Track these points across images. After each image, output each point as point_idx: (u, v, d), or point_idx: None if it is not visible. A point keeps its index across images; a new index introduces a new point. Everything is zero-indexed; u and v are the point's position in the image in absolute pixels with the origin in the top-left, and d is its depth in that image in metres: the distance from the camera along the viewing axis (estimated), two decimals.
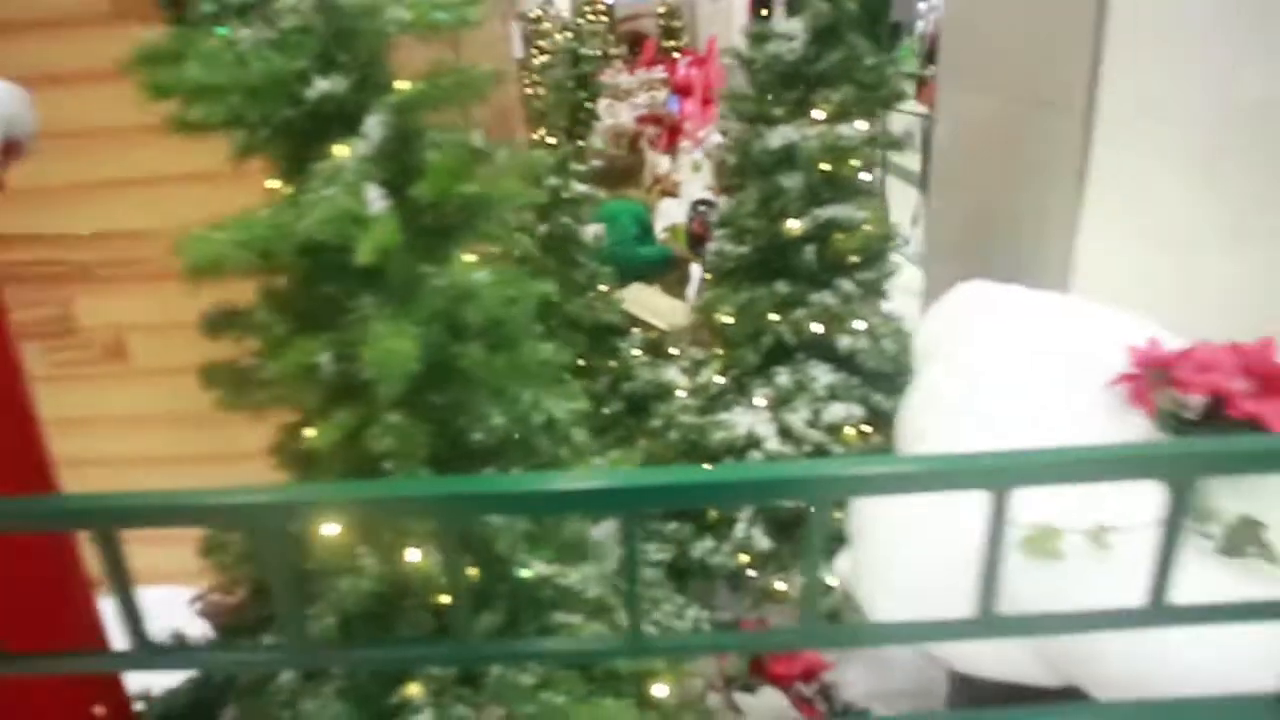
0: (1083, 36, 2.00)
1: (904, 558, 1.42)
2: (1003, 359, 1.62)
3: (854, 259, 2.43)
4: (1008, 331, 1.69)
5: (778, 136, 2.26)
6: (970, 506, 1.03)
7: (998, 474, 0.74)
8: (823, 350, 2.36)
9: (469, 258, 1.37)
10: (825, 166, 2.30)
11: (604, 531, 2.60)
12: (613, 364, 3.26)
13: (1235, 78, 1.98)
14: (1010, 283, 2.42)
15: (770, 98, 2.32)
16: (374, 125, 1.20)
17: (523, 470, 1.35)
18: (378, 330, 1.18)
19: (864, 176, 2.42)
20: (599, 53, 6.28)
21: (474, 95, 1.32)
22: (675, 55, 9.64)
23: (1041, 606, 0.94)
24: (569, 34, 6.38)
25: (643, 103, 7.33)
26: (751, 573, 2.46)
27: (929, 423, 1.60)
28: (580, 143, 5.53)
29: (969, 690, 1.99)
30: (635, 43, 11.88)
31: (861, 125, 2.29)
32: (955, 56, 2.91)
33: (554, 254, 3.10)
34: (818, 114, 2.29)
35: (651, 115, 6.34)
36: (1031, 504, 1.25)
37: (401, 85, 1.29)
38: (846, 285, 2.32)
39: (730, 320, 2.41)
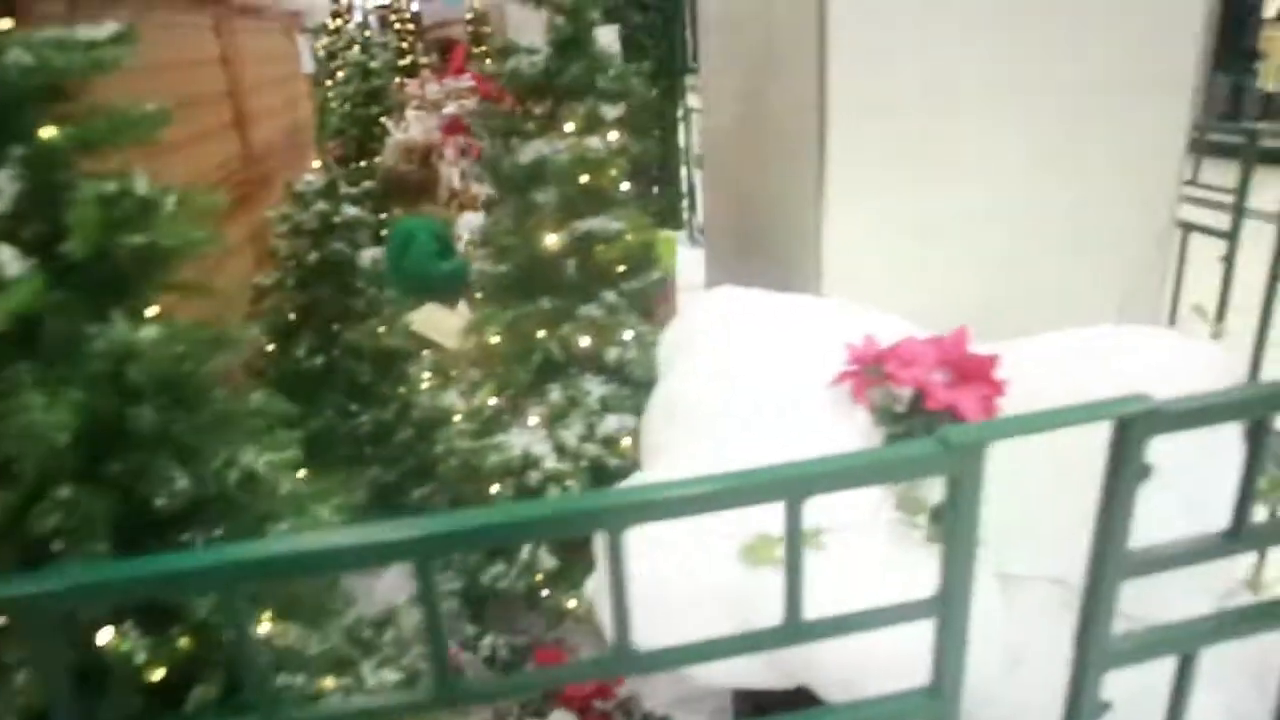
0: (809, 24, 2.05)
1: (641, 575, 1.42)
2: (735, 365, 1.64)
3: (621, 269, 2.44)
4: (744, 337, 1.72)
5: (530, 151, 2.24)
6: (706, 524, 1.04)
7: (790, 485, 0.75)
8: (594, 363, 2.36)
9: (152, 310, 1.29)
10: (584, 179, 2.30)
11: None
12: (403, 390, 3.19)
13: (954, 68, 2.08)
14: (773, 280, 2.49)
15: (521, 112, 2.30)
16: (3, 181, 1.10)
17: (224, 532, 1.28)
18: (29, 400, 1.09)
19: (624, 187, 2.43)
20: (390, 65, 6.13)
21: (135, 137, 1.24)
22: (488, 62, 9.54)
23: (768, 613, 0.96)
24: (357, 47, 6.22)
25: (453, 113, 7.21)
26: (545, 592, 2.44)
27: (665, 438, 1.61)
28: (376, 159, 5.40)
29: (750, 694, 2.03)
30: (446, 50, 11.70)
31: (613, 136, 2.29)
32: (709, 50, 2.97)
33: (329, 281, 3.01)
34: (569, 127, 2.28)
35: (455, 123, 6.23)
36: (747, 513, 1.27)
37: (47, 132, 1.20)
38: (610, 297, 2.32)
39: (499, 340, 2.38)
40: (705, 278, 3.05)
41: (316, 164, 3.00)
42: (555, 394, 2.34)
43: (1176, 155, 2.35)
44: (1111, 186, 2.30)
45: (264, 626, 1.34)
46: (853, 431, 1.51)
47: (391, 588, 2.34)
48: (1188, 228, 2.48)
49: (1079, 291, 2.34)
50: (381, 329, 3.15)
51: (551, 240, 2.27)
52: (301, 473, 1.52)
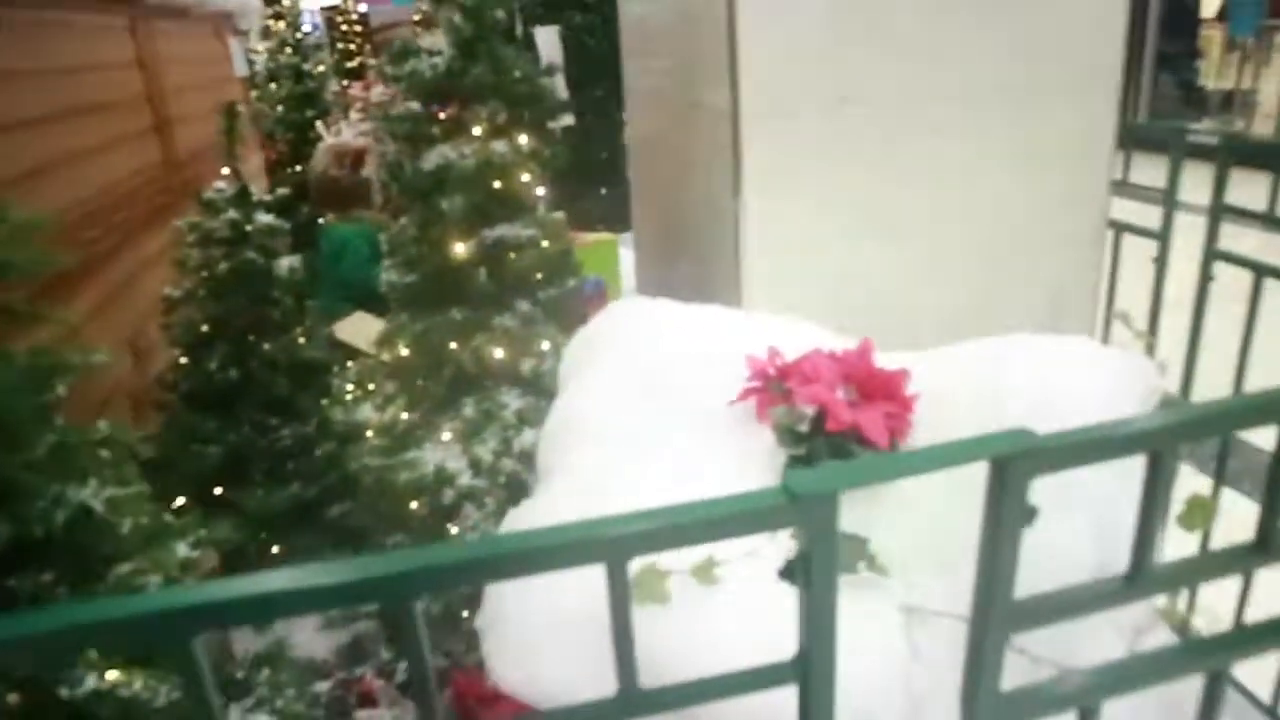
0: (719, 27, 1.97)
1: (516, 612, 1.32)
2: (635, 381, 1.55)
3: (540, 276, 2.34)
4: (646, 351, 1.62)
5: (434, 156, 2.14)
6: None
7: (607, 546, 0.67)
8: (510, 376, 2.26)
9: None
10: (497, 184, 2.20)
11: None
12: (325, 402, 3.06)
13: (870, 70, 2.01)
14: (698, 286, 2.40)
15: (426, 116, 2.19)
16: None
17: (55, 577, 1.16)
18: None
19: (540, 192, 2.33)
20: (333, 67, 5.97)
21: None
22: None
23: (655, 651, 0.87)
24: (289, 49, 6.05)
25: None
26: (465, 613, 2.34)
27: (556, 460, 1.51)
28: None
29: None
30: None
31: (523, 139, 2.19)
32: (630, 50, 2.88)
33: (243, 291, 2.87)
34: (477, 131, 2.17)
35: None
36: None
37: None
38: (524, 306, 2.22)
39: (408, 353, 2.27)
40: (635, 283, 2.96)
41: (225, 170, 2.85)
42: (469, 408, 2.24)
43: (1105, 155, 2.30)
44: (1040, 188, 2.24)
45: (108, 676, 1.23)
46: (757, 454, 1.42)
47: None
48: (1120, 228, 2.42)
49: (1009, 296, 2.28)
50: (301, 340, 3.03)
51: (460, 249, 2.16)
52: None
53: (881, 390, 1.32)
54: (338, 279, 4.26)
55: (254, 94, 6.06)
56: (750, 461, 1.41)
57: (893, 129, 2.08)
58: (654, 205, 2.75)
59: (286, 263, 2.96)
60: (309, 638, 2.50)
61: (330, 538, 2.79)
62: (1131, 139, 2.41)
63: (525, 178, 2.22)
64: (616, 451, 1.43)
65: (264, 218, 2.88)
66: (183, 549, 1.31)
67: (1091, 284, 2.40)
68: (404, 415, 2.33)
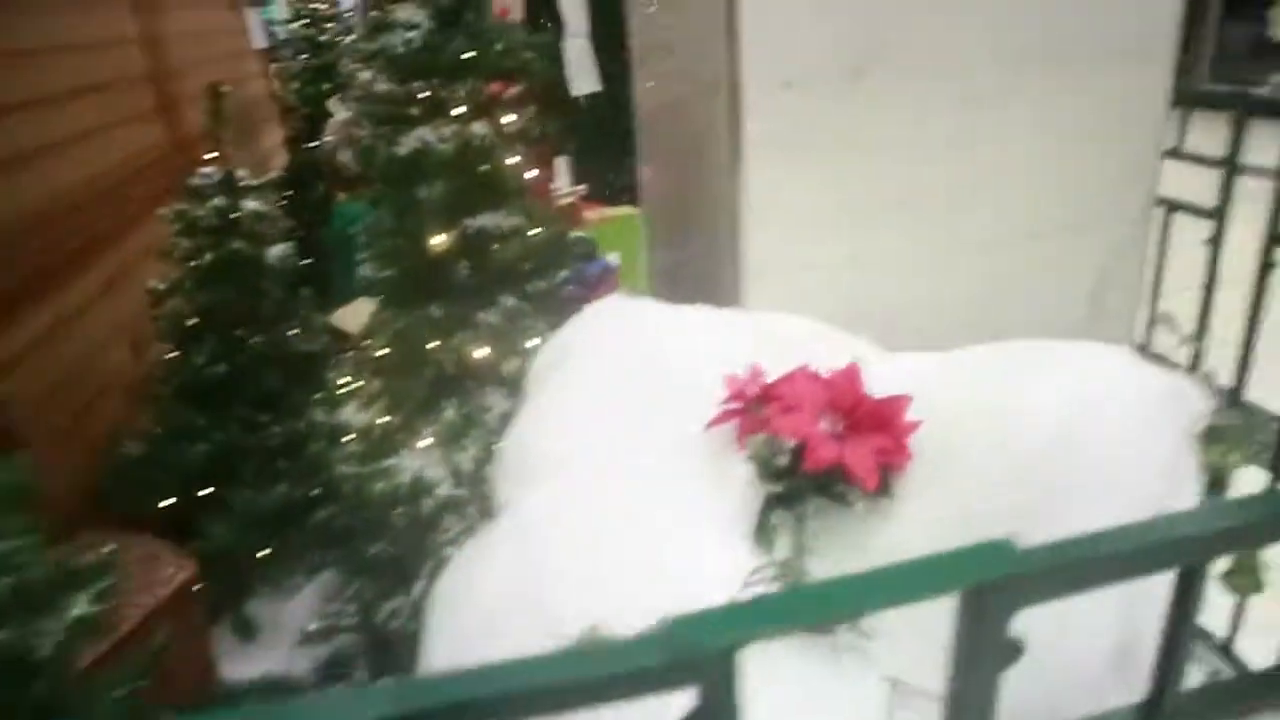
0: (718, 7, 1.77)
1: None
2: (603, 398, 1.37)
3: (528, 267, 2.17)
4: (619, 361, 1.44)
5: (411, 140, 1.96)
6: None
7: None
8: (494, 376, 2.09)
9: None
10: (484, 168, 2.03)
11: None
12: (318, 397, 2.92)
13: (886, 38, 1.79)
14: (702, 270, 2.21)
15: (405, 95, 2.01)
16: None
17: None
18: None
19: (530, 175, 2.15)
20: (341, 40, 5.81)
21: None
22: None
23: None
24: (304, 20, 5.89)
25: None
26: None
27: (512, 490, 1.33)
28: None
29: None
30: None
31: (509, 119, 2.01)
32: (639, 39, 2.67)
33: (231, 282, 2.73)
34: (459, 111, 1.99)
35: None
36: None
37: None
38: (509, 301, 2.05)
39: (387, 352, 2.11)
40: (647, 264, 2.77)
41: (213, 154, 2.71)
42: (450, 411, 2.07)
43: (1156, 124, 2.06)
44: (1081, 162, 2.01)
45: None
46: (735, 485, 1.23)
47: None
48: (1171, 206, 2.18)
49: (1043, 285, 2.06)
50: (293, 332, 2.89)
51: (439, 240, 1.99)
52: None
53: (873, 420, 1.13)
54: (350, 260, 4.12)
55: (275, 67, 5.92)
56: (726, 494, 1.23)
57: (915, 100, 1.86)
58: (661, 184, 2.55)
59: (277, 251, 2.82)
60: (286, 654, 2.38)
61: (317, 542, 2.66)
62: (1187, 101, 2.16)
63: (511, 160, 2.03)
64: (571, 484, 1.25)
65: (251, 204, 2.73)
66: (82, 604, 1.16)
67: (1136, 268, 2.17)
68: (383, 418, 2.17)
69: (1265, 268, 2.04)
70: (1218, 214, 2.09)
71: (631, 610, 1.06)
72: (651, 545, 1.14)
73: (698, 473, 1.26)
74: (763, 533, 1.17)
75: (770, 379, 1.27)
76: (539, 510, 1.22)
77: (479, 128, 1.91)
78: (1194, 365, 2.18)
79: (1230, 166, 2.05)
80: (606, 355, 1.44)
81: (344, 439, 2.27)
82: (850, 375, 1.16)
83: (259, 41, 5.61)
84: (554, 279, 2.12)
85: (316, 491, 2.72)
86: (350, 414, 2.37)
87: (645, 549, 1.13)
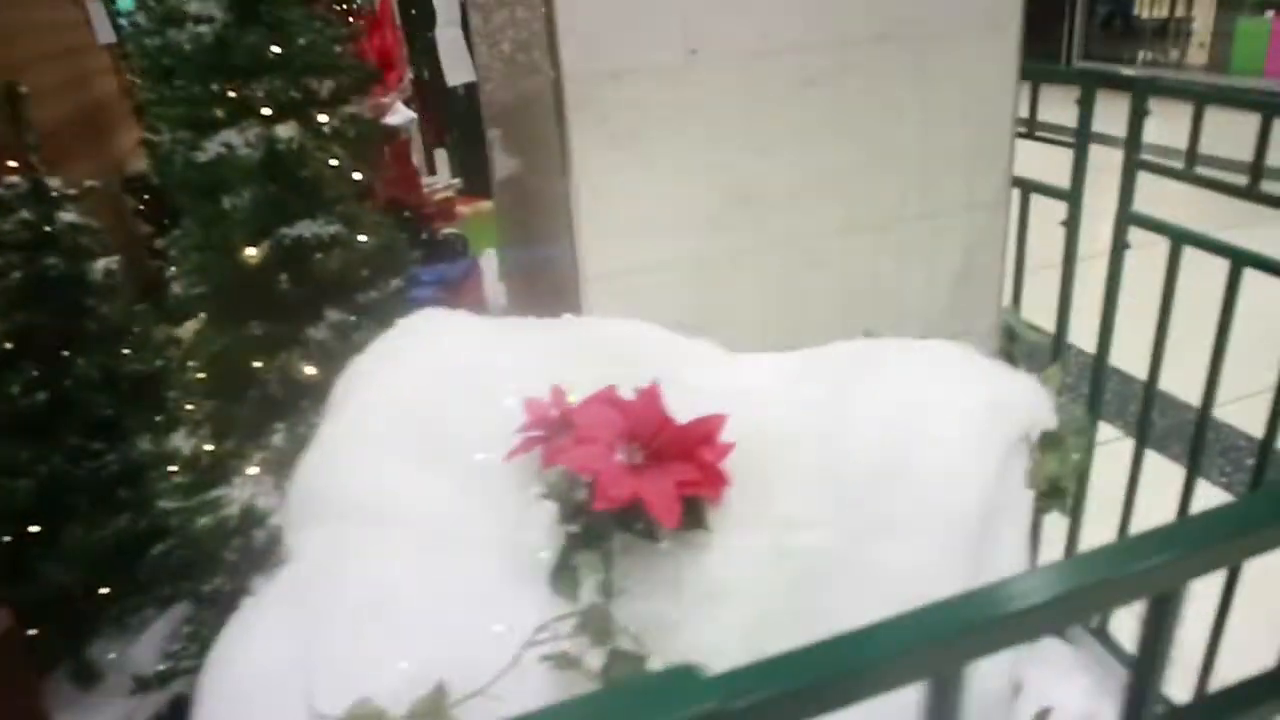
0: None
1: None
2: (398, 424, 1.24)
3: (365, 274, 2.01)
4: (422, 381, 1.30)
5: (214, 146, 1.78)
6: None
7: None
8: (328, 395, 1.93)
9: None
10: (304, 173, 1.86)
11: None
12: (160, 419, 2.72)
13: (701, 18, 1.68)
14: (545, 282, 2.08)
15: (206, 97, 1.83)
16: None
17: None
18: None
19: (357, 177, 1.99)
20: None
21: None
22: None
23: None
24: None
25: None
26: None
27: (295, 535, 1.19)
28: None
29: None
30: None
31: (324, 118, 1.85)
32: (478, 29, 2.53)
33: (48, 303, 2.51)
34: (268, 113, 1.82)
35: None
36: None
37: None
38: (334, 315, 1.89)
39: (205, 375, 1.94)
40: (498, 266, 2.63)
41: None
42: (280, 436, 1.91)
43: (1007, 106, 2.00)
44: (930, 146, 1.94)
45: None
46: (539, 523, 1.11)
47: None
48: (1028, 187, 2.13)
49: (901, 275, 1.99)
50: (126, 351, 2.67)
51: (252, 253, 1.82)
52: None
53: (676, 448, 1.02)
54: None
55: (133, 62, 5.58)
56: (529, 532, 1.11)
57: (751, 85, 1.76)
58: (508, 182, 2.42)
59: (102, 265, 2.59)
60: (125, 703, 2.21)
61: (162, 576, 2.46)
62: (1036, 80, 2.11)
63: (333, 163, 1.87)
64: (350, 532, 1.12)
65: (68, 216, 2.50)
66: None
67: (998, 253, 2.12)
68: (209, 446, 2.00)
69: (1117, 250, 2.00)
70: (1072, 197, 2.04)
71: (403, 682, 0.94)
72: (432, 603, 1.01)
73: (500, 505, 1.14)
74: (565, 577, 1.05)
75: (581, 398, 1.15)
76: (311, 565, 1.08)
77: (284, 131, 1.74)
78: (1057, 347, 2.15)
79: (1081, 148, 2.00)
80: (405, 379, 1.30)
81: (168, 469, 2.09)
82: (650, 399, 1.04)
83: (106, 36, 5.27)
84: (387, 289, 1.96)
85: (154, 523, 2.52)
86: (179, 440, 2.19)
87: (424, 608, 1.00)
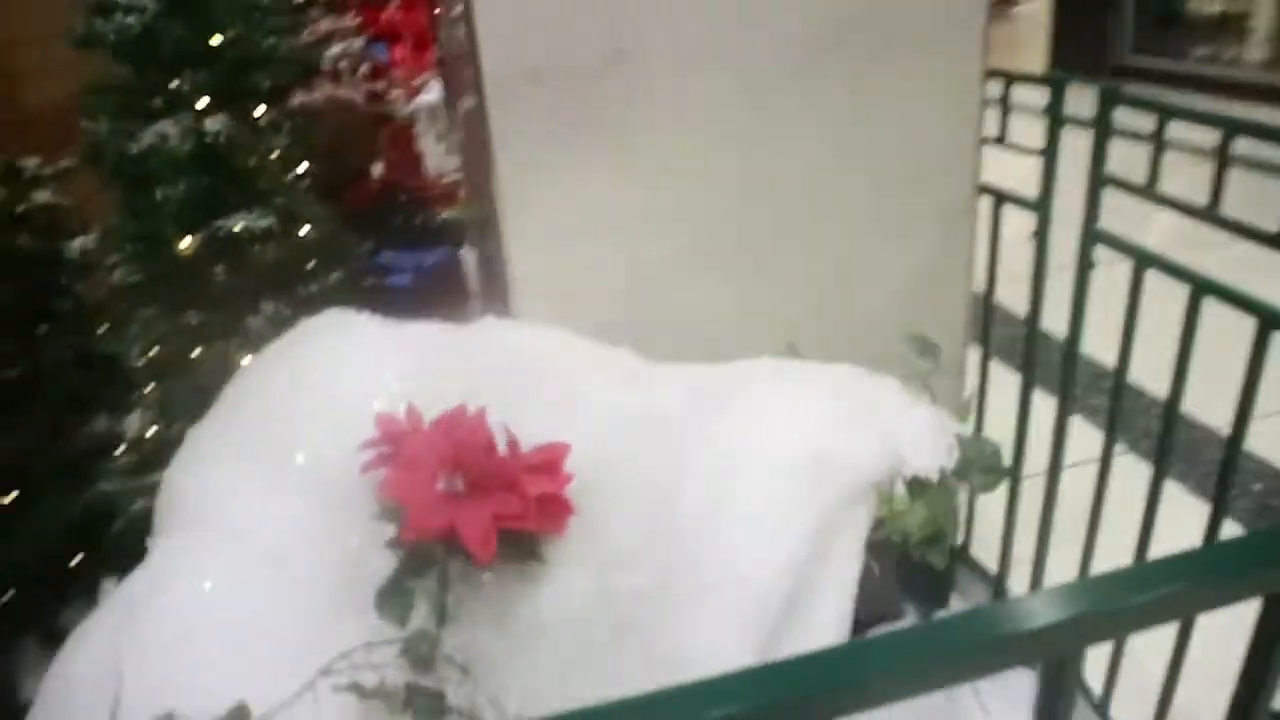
0: None
1: None
2: (266, 430, 1.21)
3: (311, 266, 2.00)
4: (300, 387, 1.28)
5: (149, 137, 1.77)
6: None
7: None
8: None
9: None
10: (250, 164, 1.85)
11: None
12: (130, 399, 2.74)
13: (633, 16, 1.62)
14: (491, 282, 2.05)
15: (140, 87, 1.82)
16: None
17: None
18: None
19: (302, 169, 1.97)
20: None
21: None
22: None
23: None
24: None
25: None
26: None
27: (158, 542, 1.17)
28: None
29: None
30: None
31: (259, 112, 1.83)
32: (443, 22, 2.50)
33: (21, 281, 2.54)
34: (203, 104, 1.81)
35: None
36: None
37: None
38: (269, 307, 1.88)
39: (145, 363, 1.94)
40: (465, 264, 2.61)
41: None
42: None
43: (971, 111, 1.91)
44: (890, 154, 1.86)
45: None
46: (379, 540, 1.08)
47: None
48: (998, 196, 2.04)
49: (851, 290, 1.92)
50: (101, 329, 2.70)
51: (187, 244, 1.82)
52: None
53: (500, 478, 0.98)
54: None
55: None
56: (370, 551, 1.08)
57: (687, 91, 1.70)
58: (468, 183, 2.39)
59: (79, 244, 2.62)
60: None
61: (133, 546, 2.49)
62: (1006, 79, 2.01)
63: (272, 155, 1.85)
64: (199, 534, 1.10)
65: (42, 195, 2.53)
66: None
67: (963, 266, 2.03)
68: (152, 429, 2.01)
69: (1083, 270, 1.91)
70: (1041, 207, 1.95)
71: (206, 705, 0.92)
72: (248, 627, 0.99)
73: (342, 521, 1.11)
74: (394, 600, 1.02)
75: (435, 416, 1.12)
76: (146, 581, 1.06)
77: (212, 124, 1.72)
78: (1028, 360, 2.06)
79: (1051, 156, 1.91)
80: (278, 386, 1.28)
81: (115, 451, 2.11)
82: (476, 425, 1.01)
83: None
84: (327, 281, 1.95)
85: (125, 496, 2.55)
86: (132, 423, 2.21)
87: (239, 634, 0.98)
